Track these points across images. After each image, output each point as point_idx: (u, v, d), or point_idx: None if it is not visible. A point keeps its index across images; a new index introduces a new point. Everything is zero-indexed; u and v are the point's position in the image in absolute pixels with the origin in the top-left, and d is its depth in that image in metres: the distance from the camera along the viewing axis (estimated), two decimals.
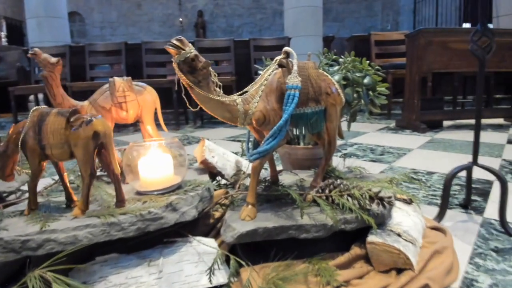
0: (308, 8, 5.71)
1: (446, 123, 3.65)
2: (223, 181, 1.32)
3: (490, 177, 1.79)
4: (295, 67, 0.94)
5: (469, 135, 3.02)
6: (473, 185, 1.47)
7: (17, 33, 8.95)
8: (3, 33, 8.52)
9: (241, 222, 0.91)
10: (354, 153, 2.51)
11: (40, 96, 4.75)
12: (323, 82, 1.01)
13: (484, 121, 3.64)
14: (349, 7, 10.91)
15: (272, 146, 0.92)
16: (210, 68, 0.87)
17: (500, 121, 3.73)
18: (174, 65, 0.84)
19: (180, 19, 11.17)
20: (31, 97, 4.98)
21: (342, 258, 0.91)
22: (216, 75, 0.89)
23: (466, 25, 5.51)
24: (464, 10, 8.86)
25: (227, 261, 0.90)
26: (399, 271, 0.92)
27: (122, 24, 11.24)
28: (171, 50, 0.82)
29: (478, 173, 1.44)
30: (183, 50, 0.82)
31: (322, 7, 5.92)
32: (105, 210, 0.87)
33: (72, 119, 0.83)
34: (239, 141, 3.09)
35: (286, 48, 0.96)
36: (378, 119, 4.17)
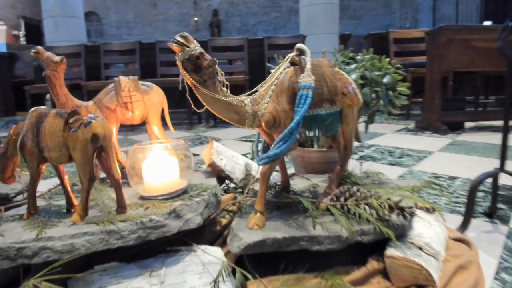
0: (324, 6, 5.60)
1: (467, 124, 3.50)
2: (232, 185, 1.26)
3: None
4: (308, 65, 0.87)
5: (492, 138, 2.88)
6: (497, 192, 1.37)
7: (35, 33, 9.13)
8: (22, 33, 8.70)
9: (248, 231, 0.86)
10: (371, 155, 2.42)
11: None
12: (339, 81, 0.94)
13: None
14: (366, 5, 10.70)
15: (282, 150, 0.85)
16: (217, 67, 0.81)
17: None
18: (178, 63, 0.78)
19: (195, 19, 11.19)
20: (48, 96, 5.04)
21: (358, 273, 0.84)
22: (223, 74, 0.84)
23: (487, 23, 5.30)
24: (485, 8, 8.62)
25: (233, 272, 0.84)
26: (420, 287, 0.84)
27: (139, 24, 11.33)
28: (175, 47, 0.76)
29: (502, 179, 1.34)
30: (188, 47, 0.77)
31: (338, 4, 5.80)
32: (105, 217, 0.82)
33: (70, 121, 0.79)
34: (252, 141, 3.03)
35: (299, 45, 0.89)
36: (397, 119, 4.04)
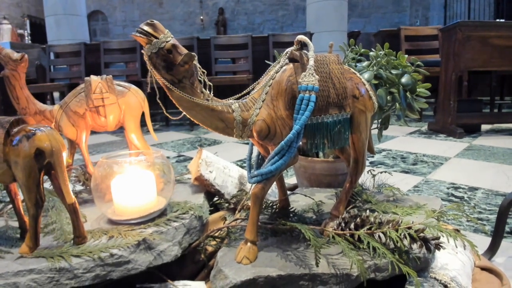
0: (332, 2, 5.40)
1: (483, 127, 3.29)
2: (225, 201, 1.10)
3: None
4: (311, 62, 0.71)
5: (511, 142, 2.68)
6: None
7: (40, 32, 9.06)
8: (27, 32, 8.64)
9: (236, 267, 0.69)
10: (383, 161, 2.23)
11: (56, 94, 4.69)
12: (349, 81, 0.77)
13: None
14: (375, 2, 10.44)
15: (278, 166, 0.69)
16: (196, 63, 0.65)
17: None
18: (145, 58, 0.62)
19: (201, 17, 11.05)
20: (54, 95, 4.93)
21: None
22: (205, 72, 0.67)
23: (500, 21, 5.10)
24: (497, 6, 8.42)
25: None
26: None
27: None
28: (140, 38, 0.60)
29: None
30: (156, 38, 0.61)
31: (347, 1, 5.60)
32: (57, 249, 0.66)
33: (13, 132, 0.63)
34: None
35: (299, 37, 0.73)
36: (408, 121, 3.84)
